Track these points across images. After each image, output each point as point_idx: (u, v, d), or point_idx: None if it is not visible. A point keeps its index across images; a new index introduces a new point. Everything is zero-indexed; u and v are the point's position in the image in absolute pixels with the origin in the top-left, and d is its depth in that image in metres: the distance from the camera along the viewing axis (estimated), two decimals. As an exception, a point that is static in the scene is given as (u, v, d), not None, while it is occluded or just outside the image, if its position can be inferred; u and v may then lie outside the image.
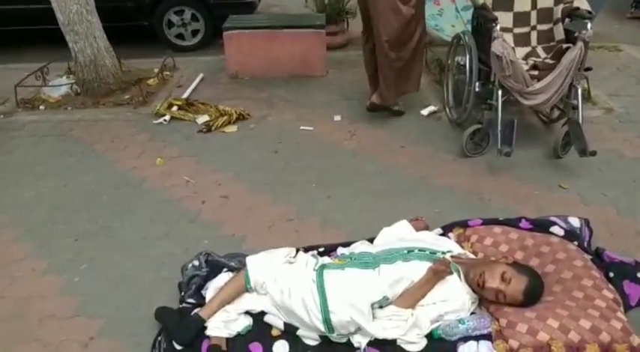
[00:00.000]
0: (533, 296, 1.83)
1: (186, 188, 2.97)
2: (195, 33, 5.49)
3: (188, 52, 5.39)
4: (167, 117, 3.74)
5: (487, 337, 1.78)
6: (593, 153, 2.86)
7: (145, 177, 3.08)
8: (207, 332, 1.86)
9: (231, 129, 3.65)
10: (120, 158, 3.30)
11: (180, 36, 5.49)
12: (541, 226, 2.24)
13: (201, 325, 1.87)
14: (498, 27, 2.90)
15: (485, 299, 1.89)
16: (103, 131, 3.66)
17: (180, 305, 2.02)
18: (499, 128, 2.96)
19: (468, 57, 3.26)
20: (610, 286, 1.92)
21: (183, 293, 2.06)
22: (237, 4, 5.30)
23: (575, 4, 3.09)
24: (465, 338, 1.78)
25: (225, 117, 3.69)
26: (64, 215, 2.75)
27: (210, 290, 1.99)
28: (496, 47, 2.83)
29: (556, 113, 3.41)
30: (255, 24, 4.50)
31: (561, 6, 3.12)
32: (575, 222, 2.29)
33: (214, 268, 2.10)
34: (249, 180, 3.03)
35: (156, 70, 4.51)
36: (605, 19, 5.79)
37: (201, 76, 4.50)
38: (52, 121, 3.81)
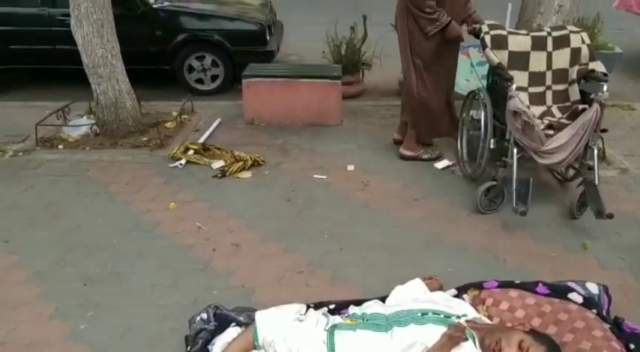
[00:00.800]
0: (551, 367, 1.76)
1: (197, 234, 2.97)
2: (214, 78, 5.63)
3: (206, 96, 5.50)
4: (183, 161, 3.78)
5: (503, 410, 1.70)
6: (610, 216, 2.83)
7: (157, 222, 3.08)
8: (213, 392, 1.81)
9: (246, 175, 3.67)
10: (134, 200, 3.32)
11: (199, 80, 5.63)
12: (559, 292, 2.18)
13: (206, 383, 1.82)
14: (514, 86, 2.94)
15: (500, 369, 1.82)
16: (119, 172, 3.69)
17: (186, 361, 1.98)
18: (514, 186, 2.95)
19: (483, 113, 3.29)
20: (631, 360, 1.85)
21: (189, 348, 2.01)
22: (256, 52, 5.45)
23: (591, 67, 3.13)
24: (480, 412, 1.70)
25: (240, 163, 3.72)
26: (74, 258, 2.75)
27: (217, 347, 1.94)
28: (513, 105, 2.86)
29: (571, 172, 3.39)
30: (273, 73, 4.60)
31: (577, 67, 3.16)
32: (593, 288, 2.23)
33: (222, 322, 2.06)
34: (262, 228, 3.02)
35: (174, 113, 4.59)
36: (619, 78, 5.84)
37: (218, 120, 4.57)
38: (70, 161, 3.87)
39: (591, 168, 3.02)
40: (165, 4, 5.48)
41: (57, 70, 5.67)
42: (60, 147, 4.11)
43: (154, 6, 5.38)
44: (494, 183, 3.11)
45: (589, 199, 2.96)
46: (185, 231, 2.98)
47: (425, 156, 3.84)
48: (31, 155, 3.99)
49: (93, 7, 3.88)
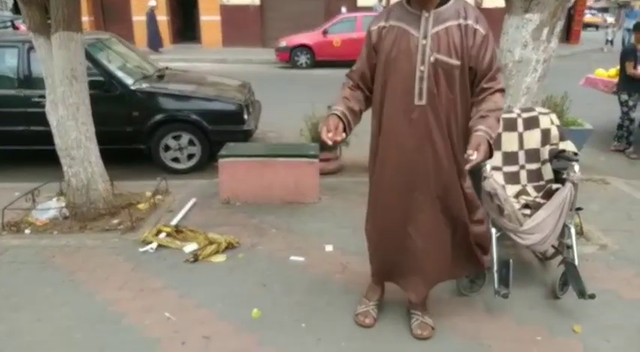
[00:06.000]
0: None
1: (166, 325, 2.79)
2: (190, 157, 5.61)
3: (182, 174, 5.46)
4: (154, 245, 3.65)
5: None
6: (592, 296, 2.76)
7: (124, 313, 2.90)
8: None
9: (219, 258, 3.54)
10: (100, 289, 3.15)
11: (175, 159, 5.60)
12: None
13: None
14: (489, 167, 2.96)
15: None
16: (87, 258, 3.53)
17: None
18: (495, 268, 2.90)
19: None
20: None
21: None
22: (234, 131, 5.49)
23: (561, 146, 3.19)
24: None
25: (213, 246, 3.60)
26: (31, 356, 2.54)
27: None
28: (488, 186, 2.86)
29: (551, 251, 3.35)
30: (250, 152, 4.59)
31: (548, 147, 3.23)
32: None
33: None
34: (235, 317, 2.86)
35: (148, 194, 4.50)
36: (591, 152, 6.02)
37: (193, 200, 4.49)
38: (35, 247, 3.69)
39: (570, 247, 3.01)
40: (144, 85, 5.55)
41: (27, 150, 5.60)
42: (27, 231, 3.94)
43: (132, 87, 5.44)
44: (475, 264, 3.05)
45: (570, 279, 2.90)
46: (153, 323, 2.81)
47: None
48: (-4, 241, 3.82)
49: (70, 91, 3.88)
